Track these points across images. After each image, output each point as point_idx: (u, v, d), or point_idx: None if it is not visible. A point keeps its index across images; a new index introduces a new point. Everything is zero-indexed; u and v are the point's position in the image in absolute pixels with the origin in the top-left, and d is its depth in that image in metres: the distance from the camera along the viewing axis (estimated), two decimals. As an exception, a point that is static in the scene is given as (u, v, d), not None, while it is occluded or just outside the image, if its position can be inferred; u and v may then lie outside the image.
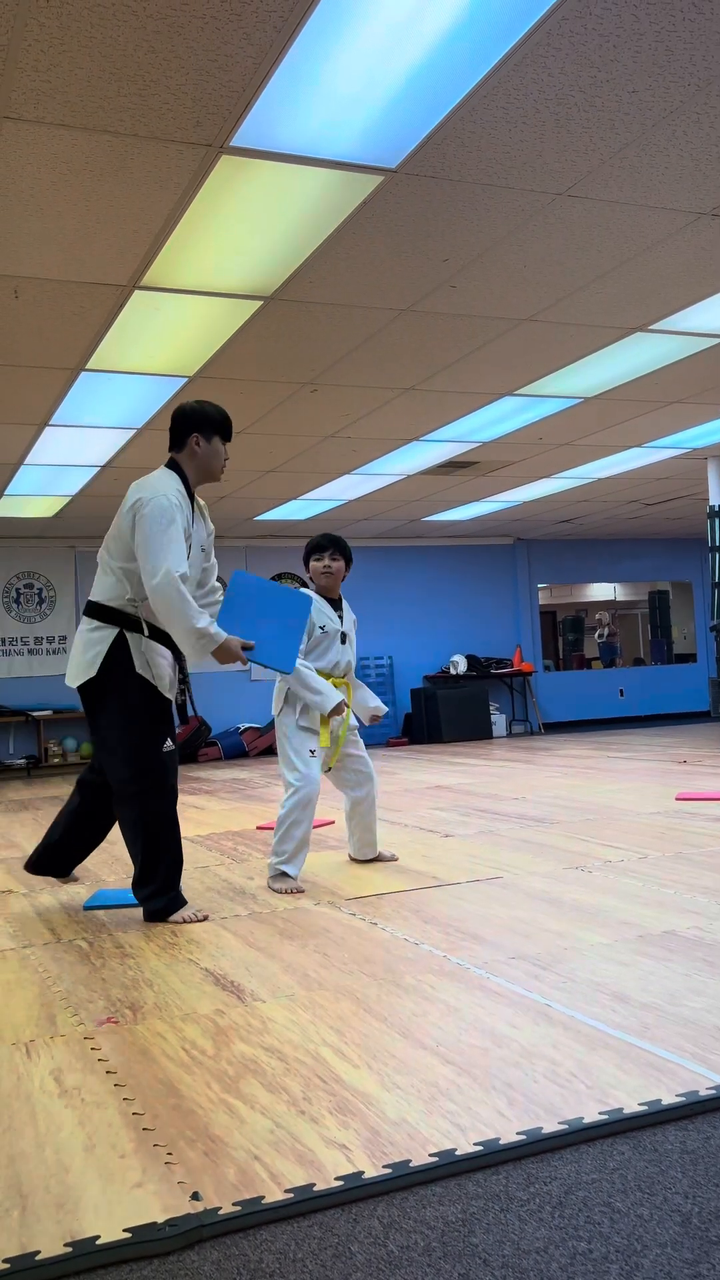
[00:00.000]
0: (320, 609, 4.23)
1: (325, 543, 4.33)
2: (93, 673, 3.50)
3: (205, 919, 3.61)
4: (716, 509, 9.49)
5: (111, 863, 4.88)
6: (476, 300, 5.12)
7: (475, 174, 3.83)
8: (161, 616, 3.41)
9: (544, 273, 4.83)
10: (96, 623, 3.55)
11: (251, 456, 8.17)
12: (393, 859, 4.51)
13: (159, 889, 3.59)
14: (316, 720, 4.15)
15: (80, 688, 3.55)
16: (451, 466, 9.05)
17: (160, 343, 5.45)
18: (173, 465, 3.65)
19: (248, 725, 12.11)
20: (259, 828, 5.88)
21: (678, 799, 6.03)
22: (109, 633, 3.52)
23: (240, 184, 3.81)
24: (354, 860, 4.53)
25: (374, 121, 3.45)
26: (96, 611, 3.56)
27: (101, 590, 3.57)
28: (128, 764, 3.51)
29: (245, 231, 4.21)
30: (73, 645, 3.62)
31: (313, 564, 4.33)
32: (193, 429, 3.67)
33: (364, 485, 9.68)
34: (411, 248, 4.44)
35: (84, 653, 3.54)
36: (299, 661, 4.00)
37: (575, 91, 3.34)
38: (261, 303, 4.98)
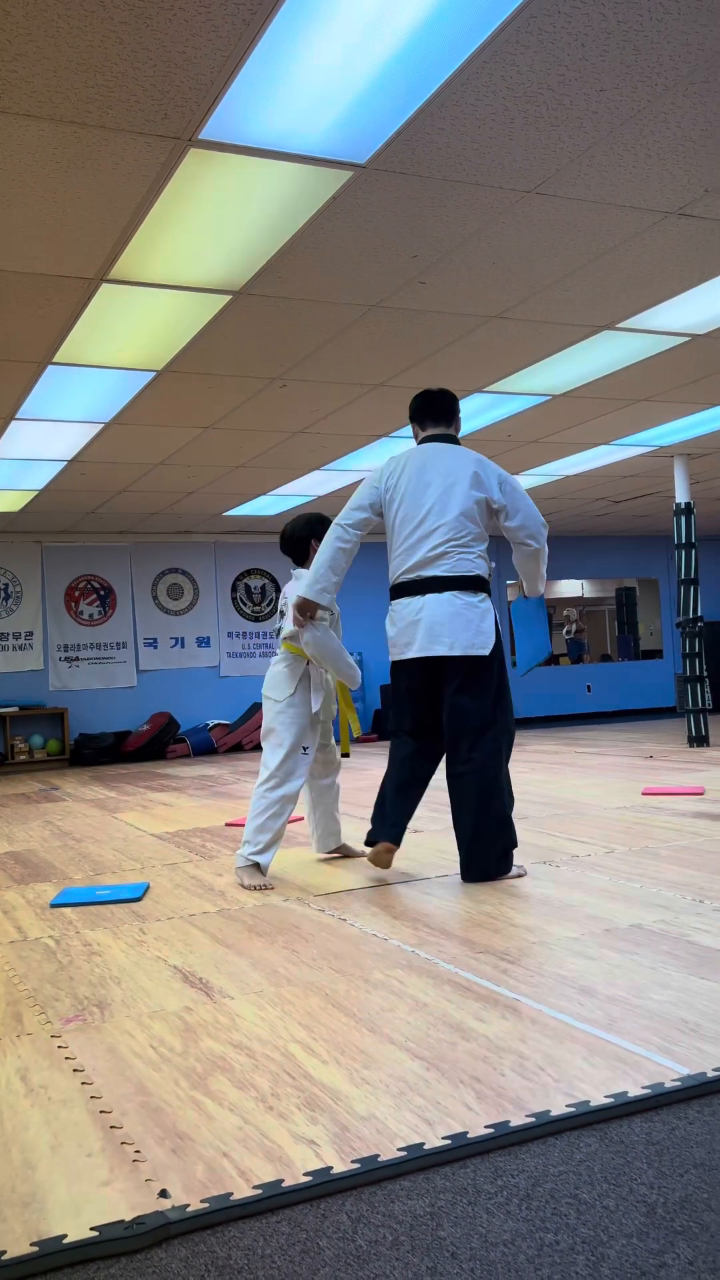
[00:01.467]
0: None
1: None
2: (493, 640, 3.84)
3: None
4: (683, 506, 9.57)
5: (79, 860, 4.86)
6: (445, 297, 5.12)
7: (444, 170, 3.84)
8: (540, 571, 4.02)
9: (513, 270, 4.84)
10: (480, 594, 3.87)
11: (220, 452, 8.14)
12: (361, 854, 4.52)
13: (512, 841, 3.85)
14: (331, 710, 4.18)
15: (471, 655, 3.82)
16: (421, 463, 9.05)
17: (128, 336, 5.41)
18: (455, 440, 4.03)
19: (216, 722, 12.07)
20: (228, 824, 5.87)
21: (644, 794, 6.08)
22: (489, 602, 3.90)
23: (209, 177, 3.79)
24: (320, 856, 4.53)
25: (343, 116, 3.45)
26: (473, 583, 3.86)
27: (471, 565, 3.86)
28: (510, 716, 3.90)
29: (214, 225, 4.19)
30: (443, 616, 3.82)
31: (314, 544, 4.33)
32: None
33: (333, 482, 9.67)
34: (381, 243, 4.44)
35: (481, 621, 3.83)
36: (332, 637, 4.07)
37: (544, 89, 3.35)
38: (230, 297, 4.96)
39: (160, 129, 3.45)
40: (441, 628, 3.80)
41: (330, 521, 4.24)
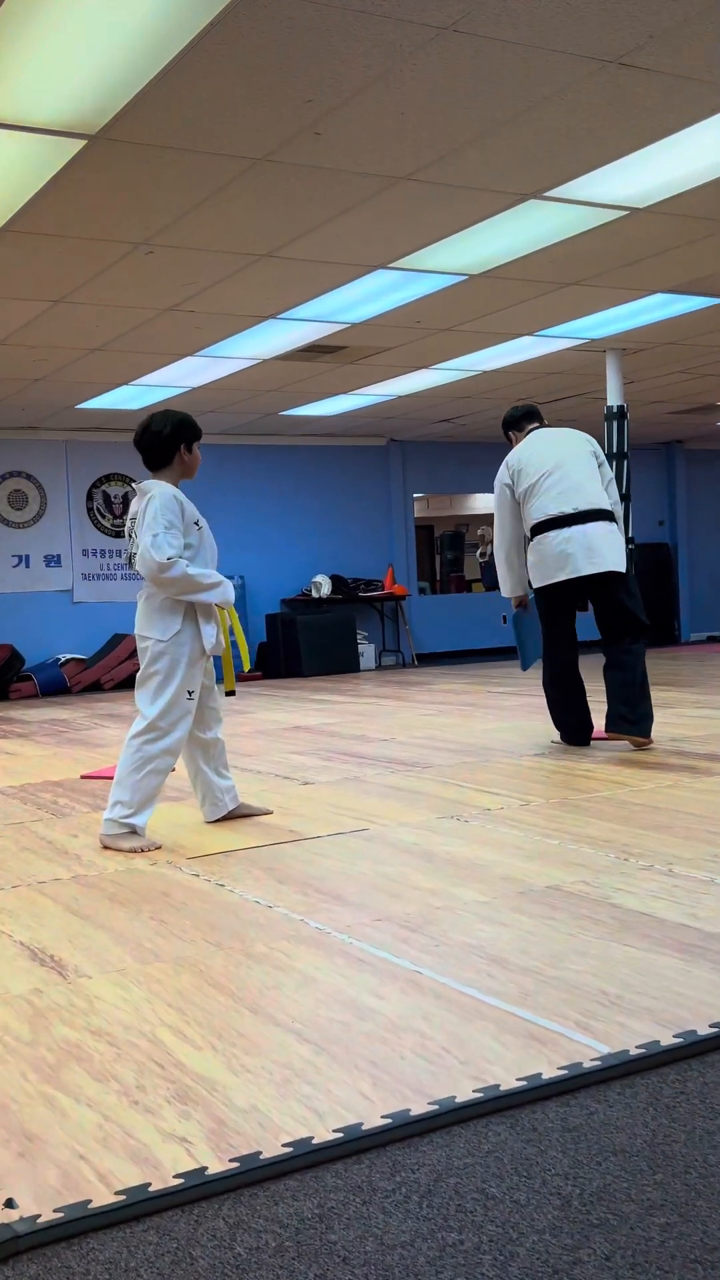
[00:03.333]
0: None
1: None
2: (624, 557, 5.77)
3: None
4: (615, 410, 9.70)
5: None
6: (345, 152, 5.04)
7: (346, -3, 3.74)
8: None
9: (424, 123, 4.78)
10: (613, 524, 5.75)
11: (72, 332, 7.91)
12: (266, 812, 4.52)
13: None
14: (221, 644, 4.15)
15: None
16: (314, 351, 8.97)
17: (-42, 186, 5.18)
18: None
19: (70, 656, 11.90)
20: (84, 776, 5.83)
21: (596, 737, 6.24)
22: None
23: (58, -10, 3.62)
24: (211, 821, 4.50)
25: None
26: (610, 515, 5.73)
27: (606, 499, 5.74)
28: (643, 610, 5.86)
29: (66, 52, 4.02)
30: (608, 538, 5.66)
31: (196, 450, 4.24)
32: None
33: (209, 370, 9.51)
34: (269, 84, 4.33)
35: (621, 544, 5.76)
36: (184, 563, 4.01)
37: None
38: (85, 142, 4.79)
39: None
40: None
41: (195, 425, 4.22)
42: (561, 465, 5.74)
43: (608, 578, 5.67)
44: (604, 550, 5.62)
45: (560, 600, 5.78)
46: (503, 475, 5.90)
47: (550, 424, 6.15)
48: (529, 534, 5.79)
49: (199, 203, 5.57)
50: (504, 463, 5.95)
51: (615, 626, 5.78)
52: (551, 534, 5.64)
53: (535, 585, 5.80)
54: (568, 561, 5.60)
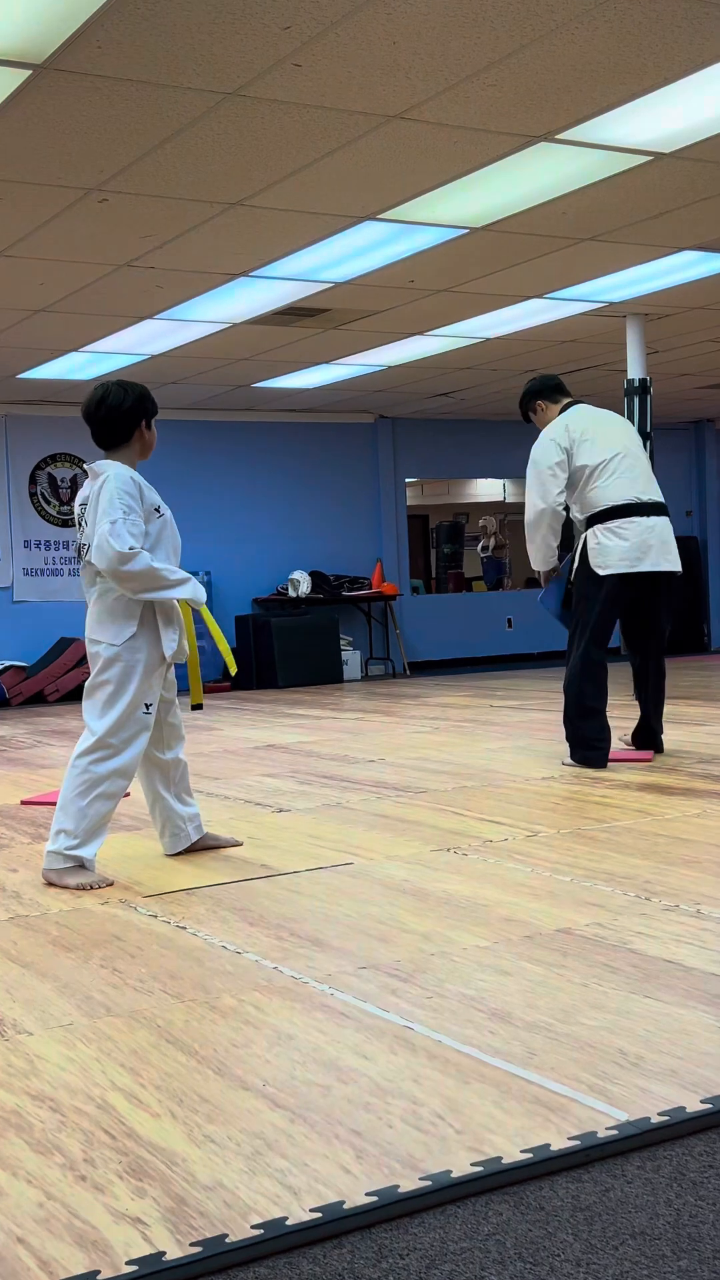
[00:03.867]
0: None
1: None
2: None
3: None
4: (636, 384, 9.73)
5: None
6: (328, 86, 5.05)
7: None
8: None
9: (419, 53, 4.79)
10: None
11: (14, 291, 7.90)
12: (234, 844, 4.51)
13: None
14: (185, 651, 4.15)
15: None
16: (293, 314, 8.97)
17: None
18: None
19: (7, 663, 11.89)
20: (24, 802, 5.82)
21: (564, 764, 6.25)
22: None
23: None
24: (171, 854, 4.47)
25: None
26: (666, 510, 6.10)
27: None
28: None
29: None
30: (668, 537, 5.97)
31: (153, 428, 4.24)
32: None
33: (172, 336, 9.51)
34: (240, 7, 4.33)
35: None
36: (148, 554, 4.01)
37: None
38: (30, 73, 4.80)
39: None
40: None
41: (153, 399, 4.23)
42: (630, 451, 6.02)
43: (672, 579, 6.05)
44: (674, 549, 5.99)
45: (624, 591, 5.97)
46: (559, 438, 5.97)
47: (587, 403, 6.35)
48: (592, 516, 5.96)
49: (160, 143, 5.57)
50: (557, 425, 6.04)
51: (658, 633, 6.14)
52: (636, 520, 5.88)
53: (603, 571, 5.89)
54: (648, 553, 5.86)
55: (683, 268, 8.29)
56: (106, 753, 4.02)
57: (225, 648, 4.47)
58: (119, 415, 4.15)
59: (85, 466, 4.27)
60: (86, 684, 4.13)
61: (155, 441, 4.28)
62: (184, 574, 4.10)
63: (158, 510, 4.16)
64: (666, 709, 6.37)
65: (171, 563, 4.16)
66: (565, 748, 6.11)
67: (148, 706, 4.08)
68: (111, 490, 4.01)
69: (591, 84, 5.18)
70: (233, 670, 4.82)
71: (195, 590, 4.11)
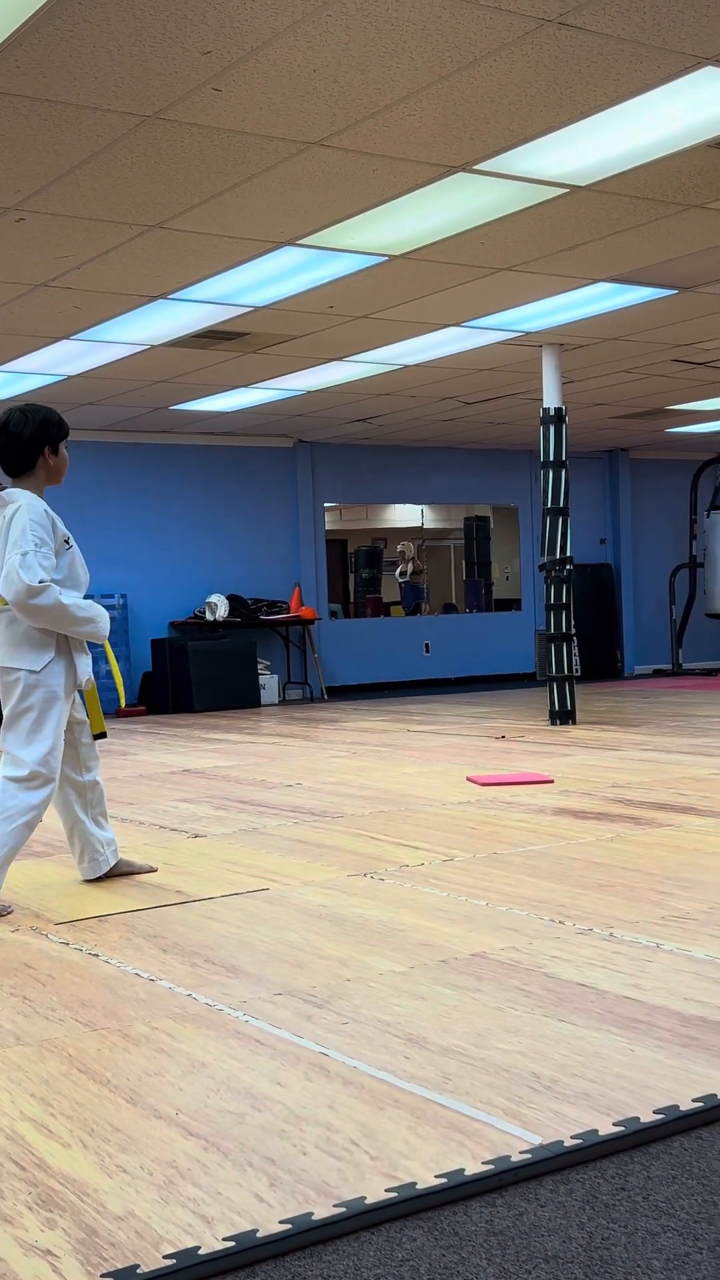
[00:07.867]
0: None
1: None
2: None
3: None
4: (552, 413, 9.84)
5: None
6: (248, 111, 5.06)
7: (251, -64, 3.77)
8: None
9: (340, 82, 4.82)
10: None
11: (-71, 309, 7.81)
12: (149, 870, 4.48)
13: None
14: (87, 679, 4.15)
15: None
16: (211, 338, 8.96)
17: None
18: None
19: None
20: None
21: (469, 781, 6.29)
22: None
23: None
24: (87, 880, 4.43)
25: None
26: None
27: None
28: None
29: None
30: None
31: (63, 451, 4.19)
32: None
33: (88, 356, 9.46)
34: (161, 30, 4.34)
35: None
36: (58, 589, 3.96)
37: None
38: (-54, 90, 4.75)
39: None
40: None
41: (62, 422, 4.17)
42: None
43: None
44: None
45: None
46: None
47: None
48: None
49: (78, 164, 5.55)
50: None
51: None
52: None
53: None
54: None
55: (598, 299, 8.41)
56: (36, 783, 3.98)
57: (119, 677, 4.53)
58: (21, 443, 4.10)
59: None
60: (6, 713, 4.08)
61: (66, 465, 4.24)
62: (91, 611, 4.07)
63: (67, 542, 4.13)
64: (579, 734, 6.37)
65: (79, 595, 4.13)
66: (482, 771, 6.15)
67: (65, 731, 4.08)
68: (24, 521, 3.97)
69: (510, 116, 5.24)
70: (122, 702, 5.15)
71: (100, 630, 4.11)
